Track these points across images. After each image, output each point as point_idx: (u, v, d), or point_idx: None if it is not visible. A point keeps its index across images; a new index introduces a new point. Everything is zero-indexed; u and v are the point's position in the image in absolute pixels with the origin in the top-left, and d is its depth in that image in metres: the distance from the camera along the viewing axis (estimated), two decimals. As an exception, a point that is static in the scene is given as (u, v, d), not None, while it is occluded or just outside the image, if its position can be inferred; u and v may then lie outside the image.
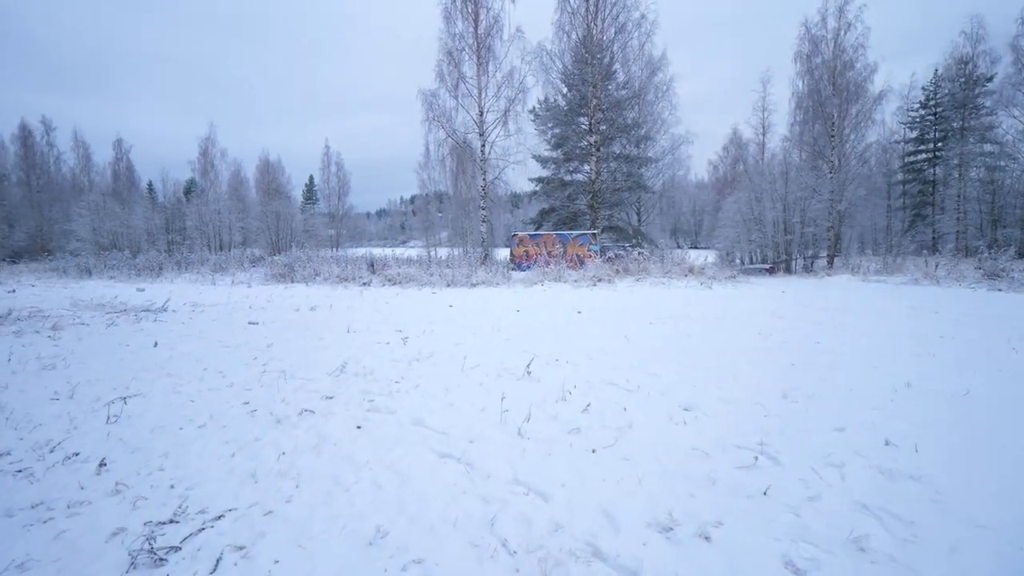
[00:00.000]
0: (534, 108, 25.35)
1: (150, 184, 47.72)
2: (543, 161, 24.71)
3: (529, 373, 5.32)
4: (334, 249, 45.10)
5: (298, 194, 53.22)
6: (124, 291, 15.33)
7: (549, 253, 19.98)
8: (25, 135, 36.64)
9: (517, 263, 20.38)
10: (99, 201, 30.97)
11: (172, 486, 3.01)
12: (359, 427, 3.97)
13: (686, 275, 17.27)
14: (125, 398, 4.68)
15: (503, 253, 24.63)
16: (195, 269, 23.55)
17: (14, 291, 14.49)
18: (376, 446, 3.59)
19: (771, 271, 20.52)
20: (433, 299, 12.78)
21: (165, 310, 10.62)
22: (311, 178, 54.73)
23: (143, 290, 16.20)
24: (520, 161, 22.28)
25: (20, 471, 3.20)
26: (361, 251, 28.05)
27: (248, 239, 41.84)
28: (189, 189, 45.28)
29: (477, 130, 21.69)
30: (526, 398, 4.57)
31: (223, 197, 39.08)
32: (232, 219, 36.47)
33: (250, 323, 8.95)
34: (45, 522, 2.65)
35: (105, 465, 3.24)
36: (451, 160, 24.87)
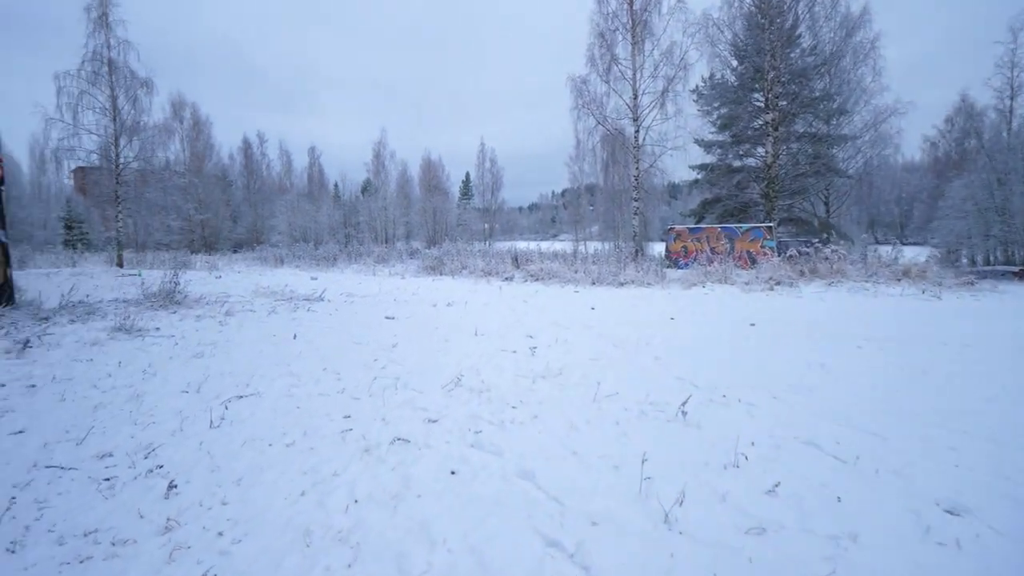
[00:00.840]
0: (697, 87, 22.73)
1: (336, 185, 54.71)
2: (707, 145, 22.02)
3: (684, 414, 4.02)
4: (486, 242, 46.84)
5: (456, 190, 56.57)
6: (301, 279, 17.21)
7: (713, 249, 17.60)
8: (246, 147, 44.63)
9: (673, 260, 18.39)
10: (294, 200, 36.29)
11: (221, 533, 2.51)
12: (453, 472, 3.16)
13: (898, 279, 13.65)
14: (241, 396, 4.57)
15: (658, 248, 22.64)
16: (362, 260, 25.99)
17: (220, 276, 17.19)
18: (465, 510, 2.72)
19: (1022, 275, 15.37)
20: (574, 299, 11.80)
21: (321, 299, 11.36)
22: (467, 175, 57.72)
23: (316, 278, 18.05)
24: (679, 147, 20.08)
25: (107, 480, 3.03)
26: (509, 245, 28.37)
27: (411, 232, 45.62)
28: (365, 188, 50.90)
29: (630, 115, 20.06)
30: (678, 456, 3.33)
31: (391, 194, 43.07)
32: (396, 214, 39.97)
33: (386, 318, 8.97)
34: (82, 562, 2.29)
35: (175, 487, 2.91)
36: (602, 149, 23.58)
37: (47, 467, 3.17)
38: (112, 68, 19.22)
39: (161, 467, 3.18)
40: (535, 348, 6.51)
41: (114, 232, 21.02)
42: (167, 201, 33.89)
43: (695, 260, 17.48)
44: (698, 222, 22.55)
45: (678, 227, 19.20)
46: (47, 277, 14.77)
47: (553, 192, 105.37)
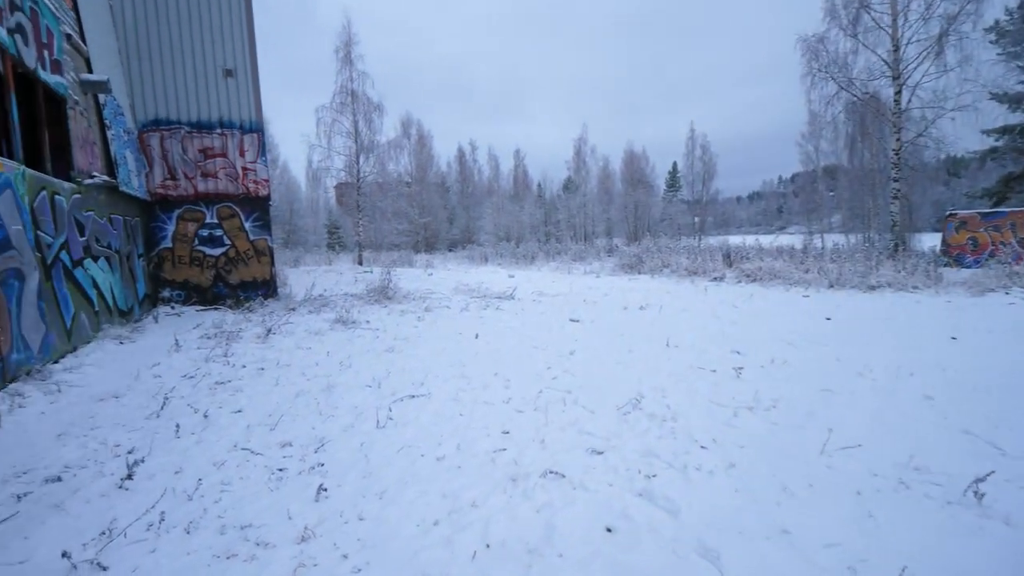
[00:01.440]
0: (996, 23, 17.09)
1: (539, 184, 57.30)
2: (1012, 101, 16.41)
3: (980, 497, 2.66)
4: (695, 238, 43.59)
5: (661, 183, 54.02)
6: (499, 277, 18.20)
7: (1021, 242, 12.95)
8: (460, 155, 49.85)
9: (953, 256, 14.13)
10: (499, 202, 39.09)
11: (346, 556, 2.38)
12: (609, 530, 2.55)
13: None
14: (413, 396, 4.68)
15: (929, 241, 17.82)
16: (559, 258, 26.53)
17: (431, 274, 19.26)
18: (615, 594, 2.10)
19: None
20: (802, 306, 9.79)
21: (512, 298, 11.66)
22: (674, 165, 54.52)
23: (513, 276, 18.89)
24: (966, 107, 15.26)
25: (279, 471, 3.24)
26: (721, 240, 25.76)
27: (611, 229, 45.12)
28: (566, 186, 52.21)
29: (888, 73, 16.03)
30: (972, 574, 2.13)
31: (591, 191, 43.23)
32: (596, 211, 39.93)
33: (571, 320, 8.65)
34: (228, 558, 2.38)
35: (325, 491, 2.94)
36: (846, 121, 19.59)
37: (242, 449, 3.57)
38: (354, 97, 23.26)
39: (322, 465, 3.31)
40: (741, 369, 5.38)
41: (356, 235, 25.41)
42: (398, 207, 39.82)
43: (989, 256, 13.09)
44: (995, 205, 16.98)
45: (963, 213, 14.69)
46: (307, 273, 18.46)
47: (780, 178, 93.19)
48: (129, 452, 3.50)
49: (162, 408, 4.27)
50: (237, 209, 10.83)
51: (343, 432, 3.88)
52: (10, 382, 4.66)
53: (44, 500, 2.89)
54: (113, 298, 7.95)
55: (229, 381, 5.16)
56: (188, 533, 2.59)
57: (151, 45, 10.05)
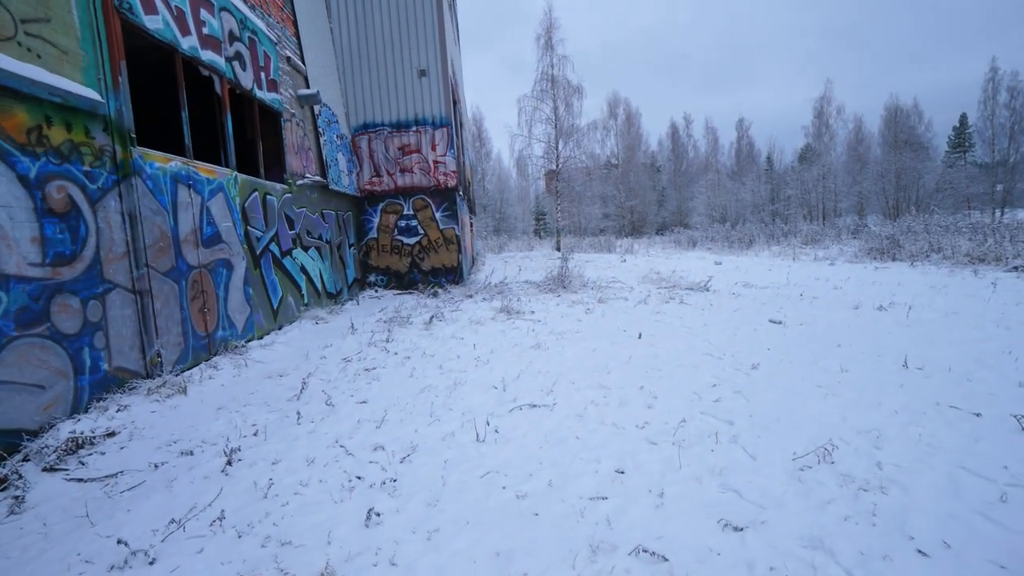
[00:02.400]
0: None
1: (768, 157, 50.26)
2: None
3: None
4: (994, 212, 33.38)
5: (941, 143, 42.11)
6: (703, 264, 16.28)
7: None
8: (673, 131, 46.66)
9: None
10: (714, 179, 35.38)
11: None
12: None
13: None
14: (534, 405, 4.13)
15: None
16: (785, 241, 22.74)
17: (624, 260, 18.25)
18: None
19: None
20: None
21: (706, 290, 10.13)
22: (963, 118, 41.87)
23: (720, 263, 16.75)
24: None
25: (356, 479, 3.05)
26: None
27: (864, 204, 37.07)
28: (802, 156, 44.68)
29: None
30: None
31: (836, 159, 36.08)
32: (841, 184, 33.10)
33: (771, 321, 6.97)
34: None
35: (377, 516, 2.60)
36: None
37: (340, 446, 3.51)
38: (554, 83, 23.32)
39: (395, 481, 3.00)
40: (1036, 417, 3.42)
41: (555, 221, 25.74)
42: (603, 191, 39.26)
43: None
44: None
45: None
46: (503, 260, 19.29)
47: None
48: (254, 435, 3.75)
49: (301, 392, 4.57)
50: (429, 200, 11.64)
51: (440, 441, 3.54)
52: (214, 355, 5.59)
53: (168, 473, 3.20)
54: (322, 283, 9.22)
55: (374, 368, 5.35)
56: (239, 538, 2.51)
57: (361, 59, 11.36)
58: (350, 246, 11.08)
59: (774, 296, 9.17)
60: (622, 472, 3.03)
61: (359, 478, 3.07)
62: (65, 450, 3.41)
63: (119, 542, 2.39)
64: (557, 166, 24.39)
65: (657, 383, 4.55)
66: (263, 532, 2.54)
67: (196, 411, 4.23)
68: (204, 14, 5.82)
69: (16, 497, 2.89)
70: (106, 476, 3.21)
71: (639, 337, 6.26)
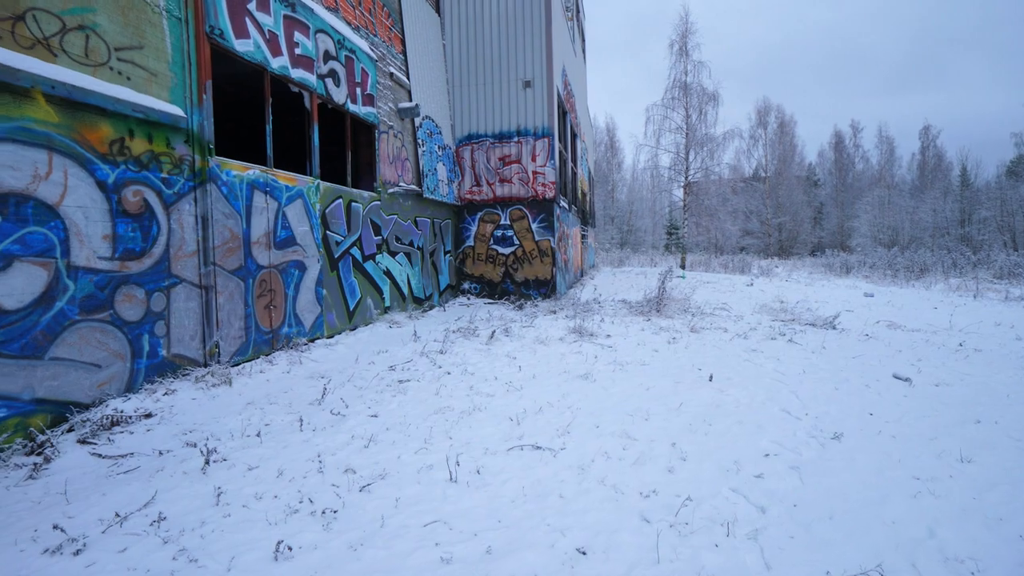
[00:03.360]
0: None
1: (963, 171, 42.05)
2: None
3: None
4: None
5: None
6: (849, 296, 14.01)
7: None
8: (837, 140, 41.21)
9: None
10: (884, 195, 30.40)
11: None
12: None
13: None
14: (537, 447, 3.70)
15: None
16: (971, 273, 18.71)
17: (751, 284, 16.36)
18: None
19: None
20: None
21: (832, 327, 8.60)
22: None
23: (871, 296, 14.30)
24: None
25: (301, 502, 2.95)
26: None
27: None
28: (1012, 170, 36.58)
29: None
30: None
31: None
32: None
33: (895, 377, 5.61)
34: (136, 599, 2.17)
35: (289, 551, 2.45)
36: None
37: (318, 461, 3.46)
38: (686, 90, 21.87)
39: (335, 512, 2.83)
40: None
41: (680, 236, 24.12)
42: (749, 205, 35.98)
43: None
44: None
45: None
46: (614, 275, 18.48)
47: None
48: (256, 435, 3.87)
49: (322, 397, 4.66)
50: (526, 211, 11.54)
51: (414, 473, 3.31)
52: (276, 350, 6.00)
53: (161, 463, 3.40)
54: (409, 287, 9.56)
55: (408, 380, 5.30)
56: (163, 544, 2.52)
57: (469, 73, 11.66)
58: (446, 253, 11.39)
59: (921, 343, 7.45)
60: (583, 553, 2.52)
61: (310, 501, 2.96)
62: (101, 426, 3.82)
63: (55, 527, 2.54)
64: (686, 177, 22.84)
65: (697, 441, 3.83)
66: (185, 543, 2.53)
67: (227, 404, 4.52)
68: (298, 36, 6.32)
69: (35, 465, 3.28)
70: (118, 456, 3.51)
71: (709, 379, 5.41)
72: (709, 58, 22.02)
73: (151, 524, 2.67)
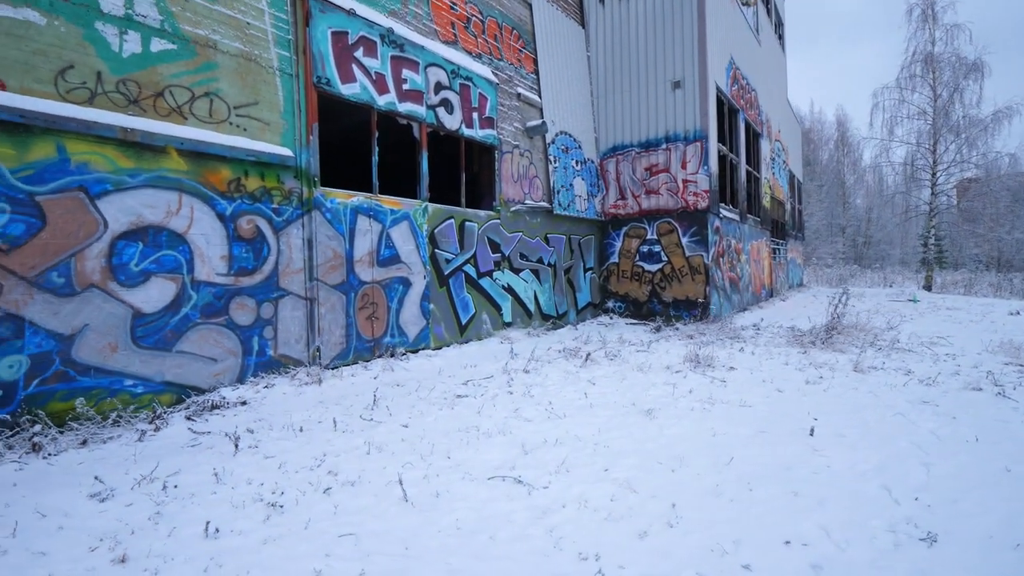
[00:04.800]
0: None
1: None
2: None
3: None
4: None
5: None
6: None
7: None
8: None
9: None
10: None
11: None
12: None
13: None
14: (519, 481, 3.48)
15: None
16: None
17: (1019, 312, 12.13)
18: None
19: None
20: None
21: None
22: None
23: None
24: None
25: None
26: None
27: None
28: None
29: None
30: None
31: None
32: None
33: None
34: None
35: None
36: None
37: (315, 467, 3.82)
38: (932, 64, 17.41)
39: (282, 508, 3.11)
40: None
41: (927, 249, 19.25)
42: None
43: None
44: None
45: None
46: (813, 298, 15.68)
47: None
48: (300, 430, 4.45)
49: (374, 404, 5.09)
50: (676, 224, 10.73)
51: (380, 486, 3.41)
52: (377, 357, 6.74)
53: (213, 443, 4.17)
54: (537, 304, 9.72)
55: (465, 397, 5.44)
56: (157, 510, 3.14)
57: (614, 82, 11.41)
58: (587, 270, 11.24)
59: None
60: (455, 598, 2.32)
61: (272, 493, 3.30)
62: (205, 408, 4.86)
63: (95, 478, 3.35)
64: (933, 175, 18.20)
65: (709, 507, 3.11)
66: (166, 509, 3.09)
67: (306, 400, 5.28)
68: (406, 73, 7.11)
69: (144, 432, 4.35)
70: (202, 432, 4.43)
71: (810, 433, 4.28)
72: (968, 19, 17.11)
73: (161, 488, 3.32)
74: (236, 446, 3.98)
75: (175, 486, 3.36)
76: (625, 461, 3.76)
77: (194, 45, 5.02)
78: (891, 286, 20.28)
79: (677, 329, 9.52)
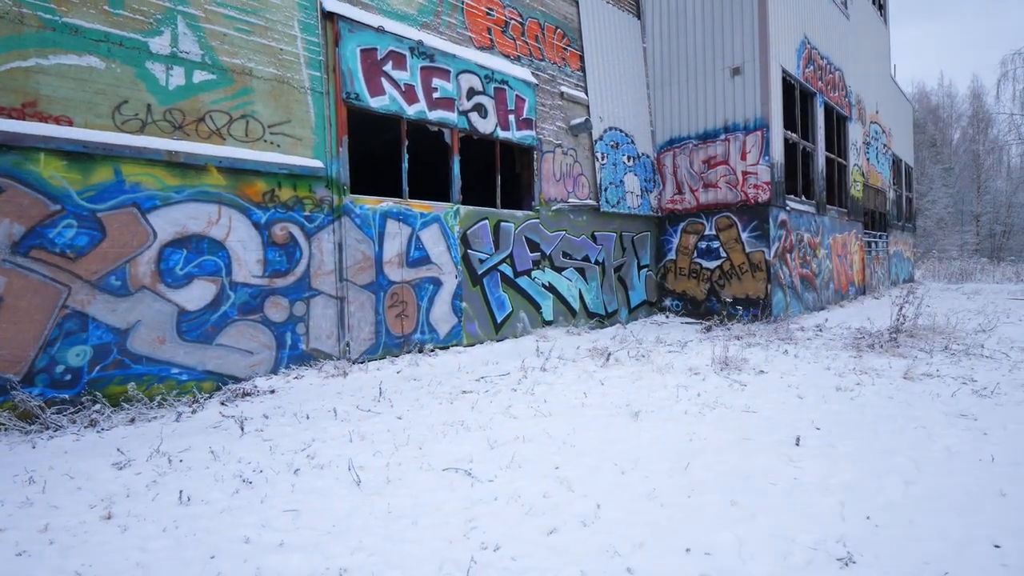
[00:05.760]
0: None
1: None
2: None
3: None
4: None
5: None
6: None
7: None
8: None
9: None
10: None
11: None
12: None
13: None
14: (469, 473, 3.60)
15: None
16: None
17: None
18: None
19: None
20: None
21: None
22: None
23: None
24: None
25: (240, 489, 3.73)
26: None
27: None
28: None
29: None
30: None
31: None
32: None
33: None
34: None
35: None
36: None
37: (299, 451, 4.21)
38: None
39: (250, 484, 3.49)
40: None
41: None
42: None
43: None
44: None
45: None
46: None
47: None
48: (307, 417, 4.89)
49: (379, 396, 5.43)
50: (735, 219, 10.12)
51: (344, 470, 3.70)
52: (407, 353, 7.12)
53: (228, 425, 4.73)
54: (582, 303, 9.66)
55: (469, 392, 5.61)
56: (156, 479, 3.67)
57: (671, 73, 10.95)
58: (641, 268, 10.93)
59: None
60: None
61: (253, 472, 3.70)
62: (238, 395, 5.50)
63: (118, 450, 3.97)
64: (1086, 150, 15.24)
65: (639, 509, 3.01)
66: (164, 480, 3.60)
67: (328, 391, 5.75)
68: (437, 82, 7.42)
69: (181, 414, 5.02)
70: (227, 416, 5.03)
71: (796, 443, 3.93)
72: None
73: (167, 462, 3.87)
74: (242, 429, 4.49)
75: (180, 460, 3.89)
76: (581, 461, 3.73)
77: (232, 73, 5.68)
78: (1021, 280, 17.31)
79: (729, 329, 8.97)
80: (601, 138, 10.01)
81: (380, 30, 6.82)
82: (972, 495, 3.04)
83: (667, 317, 10.86)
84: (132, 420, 4.79)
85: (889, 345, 6.93)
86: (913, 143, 21.49)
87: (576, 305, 9.56)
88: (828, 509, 2.92)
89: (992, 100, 23.24)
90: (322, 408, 5.13)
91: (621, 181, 10.39)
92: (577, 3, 9.90)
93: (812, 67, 11.29)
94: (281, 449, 4.11)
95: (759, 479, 3.34)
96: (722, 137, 10.22)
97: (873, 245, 14.91)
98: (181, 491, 3.31)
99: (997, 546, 2.53)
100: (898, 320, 7.17)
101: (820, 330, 8.55)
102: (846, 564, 2.42)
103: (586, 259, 9.75)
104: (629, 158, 10.63)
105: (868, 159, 14.74)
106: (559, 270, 9.24)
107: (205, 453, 4.02)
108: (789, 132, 10.51)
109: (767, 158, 9.63)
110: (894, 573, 2.35)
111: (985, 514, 2.83)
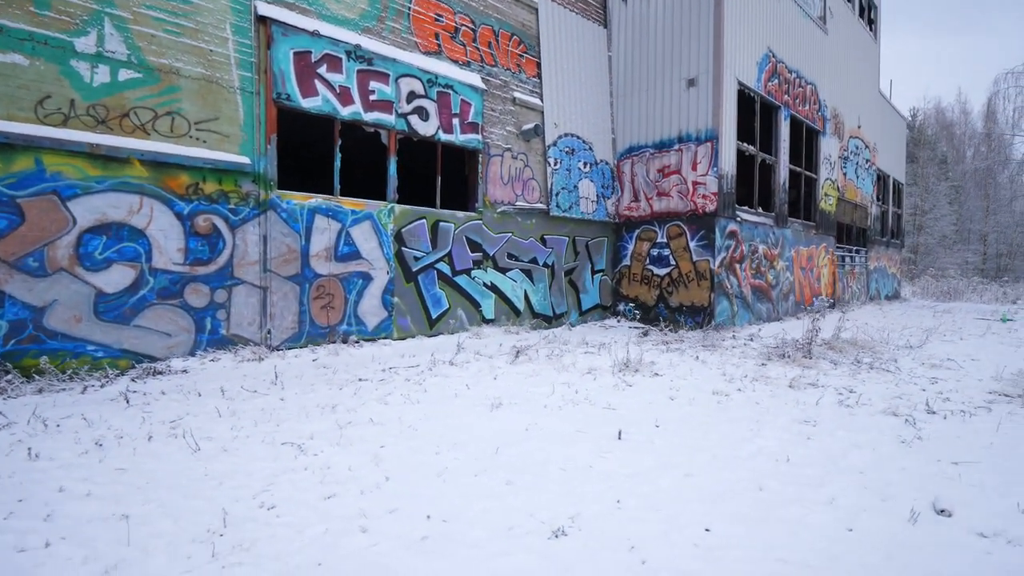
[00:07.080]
0: None
1: None
2: None
3: None
4: None
5: None
6: None
7: None
8: None
9: None
10: None
11: None
12: None
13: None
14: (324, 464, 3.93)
15: None
16: None
17: None
18: None
19: None
20: None
21: None
22: None
23: None
24: None
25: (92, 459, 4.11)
26: None
27: None
28: None
29: None
30: None
31: None
32: None
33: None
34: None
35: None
36: None
37: (173, 431, 4.58)
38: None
39: (101, 447, 3.86)
40: None
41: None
42: None
43: None
44: None
45: None
46: (880, 311, 13.80)
47: None
48: (199, 394, 5.27)
49: (275, 379, 5.79)
50: (685, 228, 10.31)
51: (164, 445, 4.05)
52: (332, 343, 7.49)
53: (126, 398, 5.12)
54: (528, 304, 9.93)
55: (363, 380, 5.94)
56: (28, 443, 4.07)
57: (633, 81, 11.19)
58: (595, 272, 11.15)
59: None
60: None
61: (100, 444, 4.08)
62: (148, 373, 5.92)
63: (33, 419, 4.39)
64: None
65: (367, 483, 3.30)
66: (33, 443, 4.00)
67: (236, 374, 6.13)
68: (374, 84, 7.80)
69: (87, 386, 5.45)
70: (128, 392, 5.44)
71: (618, 436, 4.16)
72: None
73: (43, 426, 4.27)
74: (127, 401, 4.90)
75: (57, 425, 4.29)
76: (410, 443, 4.03)
77: (159, 72, 6.13)
78: (1015, 302, 16.93)
79: (665, 335, 9.15)
80: (555, 144, 10.29)
81: (315, 34, 7.22)
82: (733, 488, 3.26)
83: (618, 321, 11.07)
84: (40, 390, 5.22)
85: (800, 356, 7.06)
86: (920, 160, 21.22)
87: (520, 306, 9.84)
88: (590, 493, 3.18)
89: (1002, 118, 22.93)
90: (218, 388, 5.50)
91: (575, 187, 10.64)
92: (536, 11, 10.21)
93: (777, 80, 11.39)
94: (152, 420, 4.49)
95: (555, 465, 3.60)
96: (676, 147, 10.41)
97: (848, 259, 14.83)
98: (30, 449, 3.71)
99: (707, 530, 2.77)
100: (812, 333, 7.29)
101: (751, 339, 8.68)
102: (556, 536, 2.68)
103: (533, 261, 10.02)
104: (586, 164, 10.88)
105: (845, 173, 14.69)
106: (504, 271, 9.53)
107: (81, 420, 4.42)
108: (746, 144, 10.64)
109: (715, 169, 9.79)
110: (593, 547, 2.61)
111: (728, 505, 3.06)
